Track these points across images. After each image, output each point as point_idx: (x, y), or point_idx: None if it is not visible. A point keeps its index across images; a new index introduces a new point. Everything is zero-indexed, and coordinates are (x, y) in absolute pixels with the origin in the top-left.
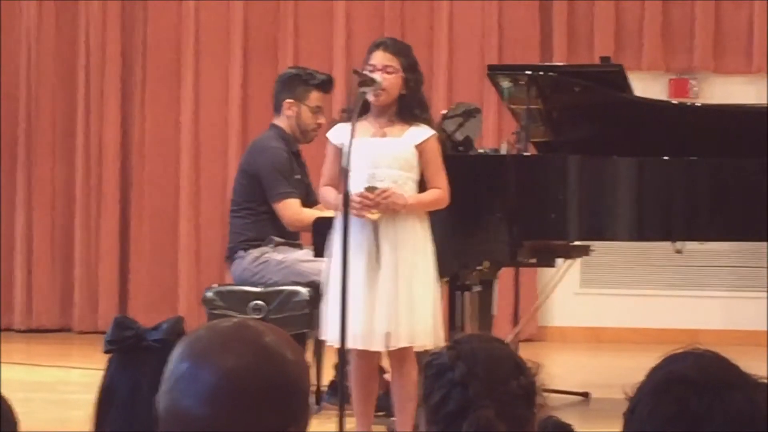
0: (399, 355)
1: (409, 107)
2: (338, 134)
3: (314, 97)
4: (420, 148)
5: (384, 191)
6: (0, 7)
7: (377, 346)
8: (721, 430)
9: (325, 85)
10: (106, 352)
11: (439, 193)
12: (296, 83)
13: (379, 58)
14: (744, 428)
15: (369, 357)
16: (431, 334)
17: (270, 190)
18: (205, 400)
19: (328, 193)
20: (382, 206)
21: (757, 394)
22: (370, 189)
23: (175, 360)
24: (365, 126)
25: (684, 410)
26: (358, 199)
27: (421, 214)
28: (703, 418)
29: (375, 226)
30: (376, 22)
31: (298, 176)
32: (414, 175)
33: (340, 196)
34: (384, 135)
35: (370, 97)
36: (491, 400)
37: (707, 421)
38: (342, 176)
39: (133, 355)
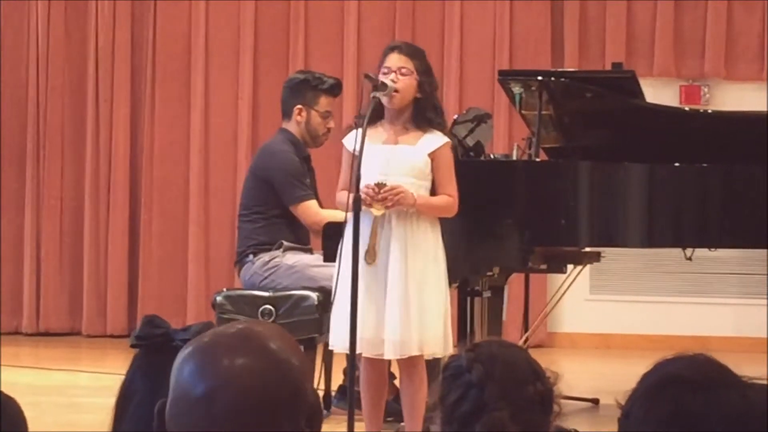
0: (409, 362)
1: (423, 111)
2: (353, 140)
3: (323, 101)
4: (432, 156)
5: (395, 187)
6: (8, 8)
7: (386, 353)
8: (717, 429)
9: (334, 89)
10: (133, 346)
11: (448, 200)
12: (305, 88)
13: (394, 60)
14: (739, 427)
15: (379, 363)
16: (441, 342)
17: (286, 195)
18: (207, 405)
19: (344, 198)
20: (389, 202)
21: (751, 393)
22: (379, 185)
23: (179, 364)
24: (379, 132)
25: (680, 409)
26: (364, 190)
27: (433, 220)
28: (699, 416)
29: (375, 222)
30: (387, 26)
31: (308, 180)
32: (427, 183)
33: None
34: (396, 142)
35: (385, 100)
36: (506, 403)
37: (703, 420)
38: (353, 182)
39: (159, 355)
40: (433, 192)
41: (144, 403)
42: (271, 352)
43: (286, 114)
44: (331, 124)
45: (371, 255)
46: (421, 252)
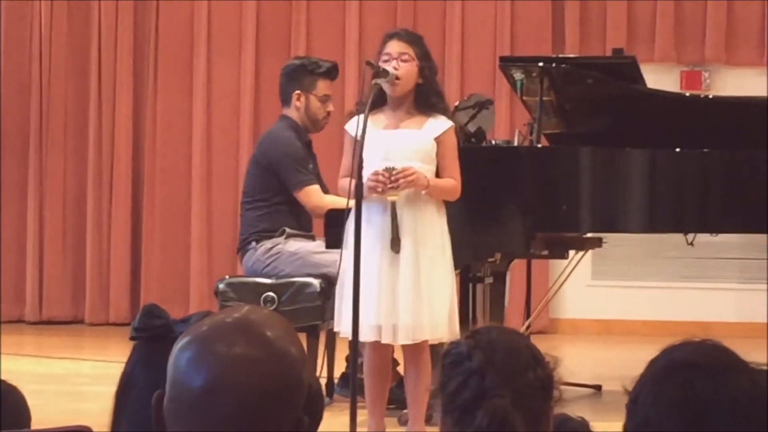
0: (414, 348)
1: (425, 96)
2: (355, 126)
3: (321, 86)
4: (439, 139)
5: (406, 169)
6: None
7: (400, 338)
8: (727, 413)
9: (331, 72)
10: (133, 338)
11: (453, 183)
12: (302, 74)
13: (394, 47)
14: (749, 411)
15: (383, 349)
16: (447, 326)
17: (289, 180)
18: (206, 397)
19: (346, 184)
20: (402, 185)
21: (760, 378)
22: (389, 169)
23: (176, 354)
24: (381, 118)
25: (689, 395)
26: (373, 177)
27: (439, 204)
28: (708, 402)
29: (393, 208)
30: (388, 14)
31: (311, 165)
32: (432, 167)
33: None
34: (397, 127)
35: (387, 88)
36: (507, 390)
37: (712, 405)
38: (355, 168)
39: (159, 345)
40: (437, 176)
41: (144, 395)
42: (269, 342)
43: (285, 101)
44: (331, 108)
45: (397, 244)
46: (429, 237)
